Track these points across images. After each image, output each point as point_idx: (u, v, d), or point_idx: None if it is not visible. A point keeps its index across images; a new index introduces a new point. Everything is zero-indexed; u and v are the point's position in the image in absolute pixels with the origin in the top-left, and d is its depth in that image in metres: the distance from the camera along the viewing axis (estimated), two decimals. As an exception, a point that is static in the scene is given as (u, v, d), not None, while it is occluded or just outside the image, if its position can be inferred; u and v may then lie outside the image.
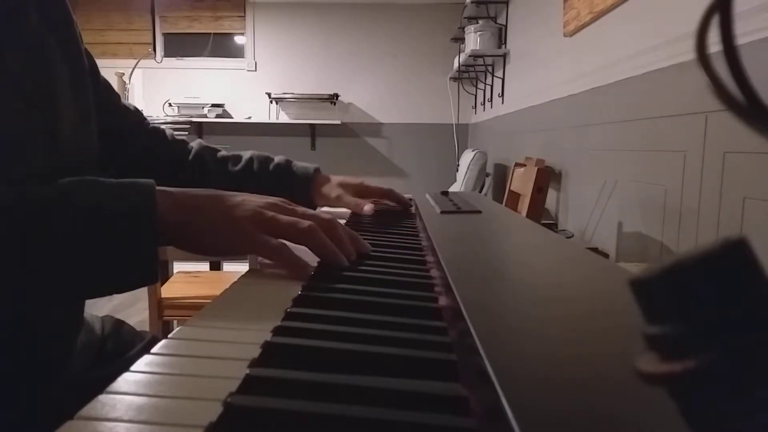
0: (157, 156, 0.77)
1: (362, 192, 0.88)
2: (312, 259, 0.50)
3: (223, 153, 0.83)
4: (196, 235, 0.48)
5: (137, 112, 0.78)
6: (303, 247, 0.50)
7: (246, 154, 0.83)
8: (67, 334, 0.58)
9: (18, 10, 0.50)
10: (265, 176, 0.82)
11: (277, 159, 0.85)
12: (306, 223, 0.50)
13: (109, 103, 0.70)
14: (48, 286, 0.42)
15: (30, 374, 0.51)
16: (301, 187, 0.83)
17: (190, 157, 0.80)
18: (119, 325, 0.73)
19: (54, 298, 0.45)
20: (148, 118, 0.80)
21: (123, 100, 0.77)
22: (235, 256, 0.51)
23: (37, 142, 0.49)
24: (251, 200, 0.51)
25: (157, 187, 0.46)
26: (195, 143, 0.83)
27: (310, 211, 0.53)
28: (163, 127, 0.82)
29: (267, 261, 0.51)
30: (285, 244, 0.49)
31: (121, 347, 0.68)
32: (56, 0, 0.56)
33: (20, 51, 0.49)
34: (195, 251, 0.49)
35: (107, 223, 0.42)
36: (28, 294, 0.41)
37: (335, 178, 0.87)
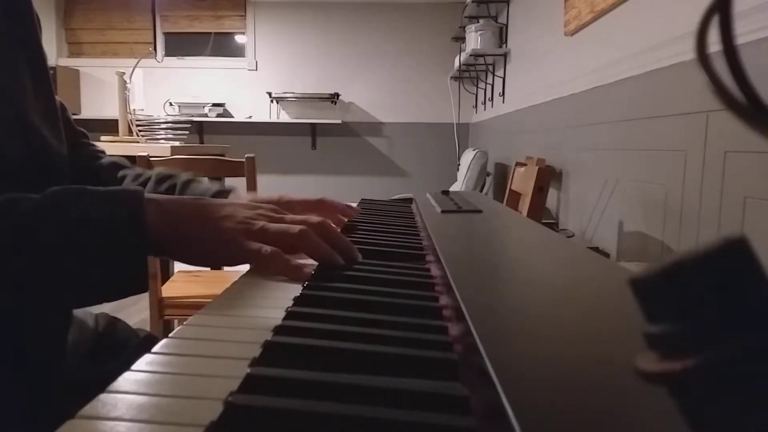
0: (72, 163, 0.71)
1: (283, 207, 0.73)
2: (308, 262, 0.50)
3: (126, 171, 0.74)
4: (184, 246, 0.48)
5: (69, 121, 0.74)
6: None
7: (149, 173, 0.74)
8: (57, 331, 0.58)
9: None
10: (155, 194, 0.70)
11: (180, 178, 0.74)
12: (296, 228, 0.49)
13: None
14: (36, 296, 0.42)
15: (21, 371, 0.51)
16: None
17: (92, 168, 0.74)
18: (113, 322, 0.72)
19: (42, 307, 0.45)
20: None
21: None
22: (227, 266, 0.50)
23: (11, 132, 0.49)
24: (239, 211, 0.50)
25: (145, 195, 0.46)
26: (105, 159, 0.76)
27: (300, 217, 0.53)
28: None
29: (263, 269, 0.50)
30: (278, 250, 0.48)
31: (115, 345, 0.67)
32: None
33: None
34: (186, 261, 0.49)
35: (96, 231, 0.42)
36: (15, 302, 0.41)
37: (244, 197, 0.70)
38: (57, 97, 0.71)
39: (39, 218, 0.41)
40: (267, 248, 0.48)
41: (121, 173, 0.75)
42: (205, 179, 0.76)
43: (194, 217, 0.48)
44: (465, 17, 3.93)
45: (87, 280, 0.42)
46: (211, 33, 5.15)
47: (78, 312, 0.68)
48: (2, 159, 0.47)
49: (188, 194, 0.72)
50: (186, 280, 1.94)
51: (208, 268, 2.30)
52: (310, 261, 0.50)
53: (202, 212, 0.49)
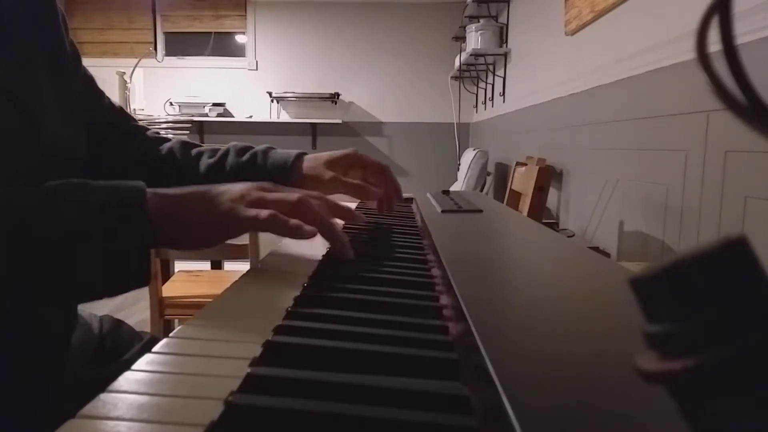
0: (130, 152, 0.73)
1: (355, 163, 0.74)
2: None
3: (201, 148, 0.76)
4: (185, 229, 0.48)
5: (121, 111, 0.76)
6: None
7: (226, 146, 0.76)
8: (62, 332, 0.57)
9: (7, 9, 0.50)
10: (238, 164, 0.73)
11: (258, 147, 0.76)
12: (295, 195, 0.50)
13: (88, 98, 0.68)
14: (37, 289, 0.41)
15: (26, 372, 0.51)
16: (279, 171, 0.72)
17: (163, 152, 0.75)
18: (118, 324, 0.72)
19: (44, 300, 0.44)
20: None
21: (112, 99, 0.74)
22: (229, 238, 0.50)
23: (21, 138, 0.48)
24: (235, 186, 0.51)
25: (147, 189, 0.45)
26: (174, 140, 0.77)
27: (297, 189, 0.53)
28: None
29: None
30: (276, 212, 0.48)
31: (119, 347, 0.67)
32: None
33: (4, 47, 0.49)
34: (188, 247, 0.49)
35: (97, 224, 0.41)
36: (17, 295, 0.41)
37: (320, 156, 0.74)
38: (101, 89, 0.71)
39: (37, 210, 0.40)
40: (264, 212, 0.47)
41: (195, 151, 0.75)
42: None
43: (192, 199, 0.49)
44: (465, 17, 3.93)
45: (87, 272, 0.42)
46: (211, 33, 5.14)
47: (83, 314, 0.68)
48: (8, 164, 0.47)
49: (269, 162, 0.73)
50: (186, 280, 1.94)
51: (209, 266, 2.31)
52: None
53: (200, 194, 0.49)
